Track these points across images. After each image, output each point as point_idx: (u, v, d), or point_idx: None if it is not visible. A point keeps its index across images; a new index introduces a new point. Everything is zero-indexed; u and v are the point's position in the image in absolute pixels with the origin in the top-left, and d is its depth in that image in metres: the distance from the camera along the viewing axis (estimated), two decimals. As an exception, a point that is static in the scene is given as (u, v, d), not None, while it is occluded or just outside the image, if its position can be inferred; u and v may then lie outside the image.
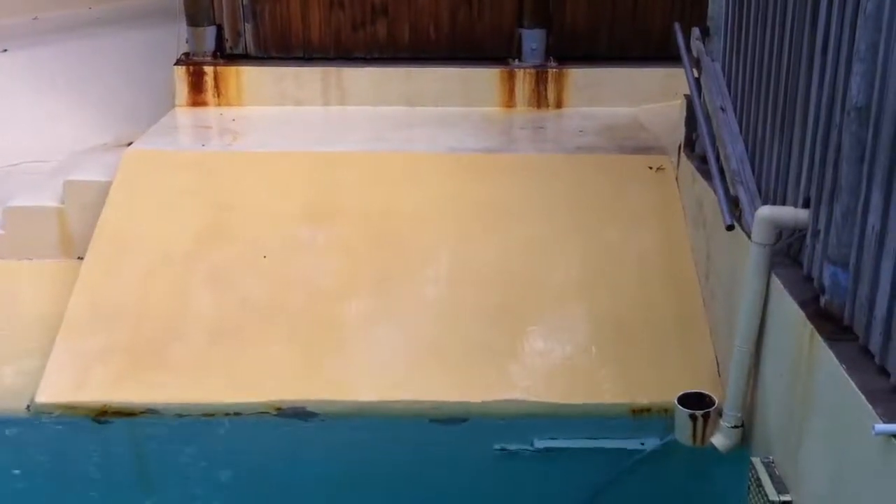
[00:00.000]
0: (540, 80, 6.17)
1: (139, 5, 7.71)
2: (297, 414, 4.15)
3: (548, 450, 4.07)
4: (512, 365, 4.25)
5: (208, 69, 6.26)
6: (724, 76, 4.38)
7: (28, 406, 4.22)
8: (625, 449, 4.02)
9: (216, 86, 6.28)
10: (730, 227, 3.64)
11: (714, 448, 3.72)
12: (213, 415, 4.16)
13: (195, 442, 4.20)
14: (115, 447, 4.22)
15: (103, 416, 4.17)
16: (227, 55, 6.36)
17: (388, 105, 6.22)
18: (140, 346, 4.40)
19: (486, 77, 6.21)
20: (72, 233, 5.17)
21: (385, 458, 4.20)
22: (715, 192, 3.93)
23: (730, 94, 4.27)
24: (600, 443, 4.05)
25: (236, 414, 4.15)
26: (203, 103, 6.28)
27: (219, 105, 6.28)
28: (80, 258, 4.94)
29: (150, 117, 6.11)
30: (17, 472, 4.33)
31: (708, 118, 4.33)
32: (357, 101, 6.25)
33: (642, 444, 4.02)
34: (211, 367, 4.30)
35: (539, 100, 6.18)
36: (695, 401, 3.79)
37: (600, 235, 4.81)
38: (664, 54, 5.75)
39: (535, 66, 6.20)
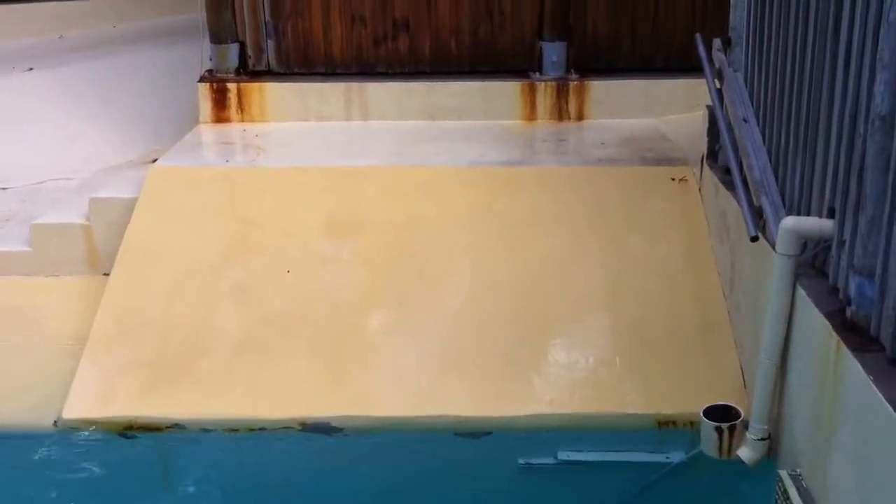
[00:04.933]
0: (561, 92, 6.18)
1: (163, 23, 7.80)
2: (321, 429, 4.15)
3: (572, 463, 4.05)
4: (535, 378, 4.23)
5: (231, 86, 6.31)
6: (746, 86, 4.36)
7: (55, 422, 4.25)
8: (650, 462, 3.98)
9: (239, 102, 6.33)
10: (754, 239, 3.62)
11: (740, 461, 3.69)
12: (237, 430, 4.17)
13: (220, 457, 4.21)
14: (141, 462, 4.24)
15: (129, 430, 4.20)
16: (249, 71, 6.42)
17: (409, 119, 6.25)
18: (165, 362, 4.43)
19: (508, 90, 6.22)
20: (98, 249, 5.22)
21: (409, 472, 4.19)
22: (738, 202, 3.91)
23: (752, 104, 4.25)
24: (625, 456, 4.01)
25: (261, 429, 4.16)
26: (227, 120, 6.33)
27: (242, 121, 6.32)
28: (107, 274, 4.99)
29: (174, 134, 6.17)
30: (44, 487, 4.35)
31: (730, 129, 4.32)
32: (379, 115, 6.29)
33: (668, 457, 3.98)
34: (235, 381, 4.32)
35: (560, 112, 6.19)
36: (720, 413, 3.77)
37: (623, 247, 4.80)
38: (686, 65, 5.74)
39: (556, 79, 6.21)
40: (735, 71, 4.49)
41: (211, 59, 6.44)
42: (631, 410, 4.06)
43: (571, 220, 4.98)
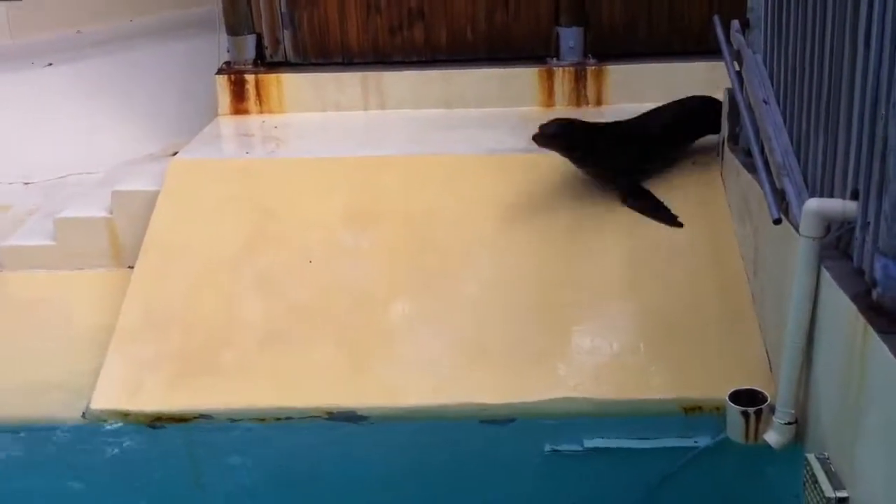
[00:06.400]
0: (579, 78, 6.15)
1: (179, 16, 7.83)
2: (346, 418, 4.18)
3: (598, 449, 4.05)
4: (559, 364, 4.24)
5: (249, 77, 6.31)
6: (765, 68, 4.34)
7: (83, 413, 4.29)
8: (676, 447, 3.98)
9: (258, 94, 6.34)
10: (777, 221, 3.61)
11: (767, 445, 3.68)
12: (264, 419, 4.20)
13: (247, 446, 4.24)
14: (168, 452, 4.29)
15: (157, 421, 4.24)
16: (267, 63, 6.41)
17: (427, 108, 6.23)
18: (191, 353, 4.47)
19: (525, 77, 6.19)
20: (122, 242, 5.26)
21: (435, 460, 4.21)
22: (761, 185, 3.90)
23: (772, 85, 4.23)
24: (651, 442, 4.01)
25: (287, 418, 4.19)
26: (245, 111, 6.34)
27: (261, 112, 6.33)
28: (131, 267, 5.03)
29: (193, 127, 6.19)
30: (73, 477, 4.41)
31: (751, 111, 4.30)
32: (397, 104, 6.28)
33: (694, 442, 3.98)
34: (261, 372, 4.35)
35: (578, 98, 6.16)
36: (746, 397, 3.76)
37: (644, 233, 4.79)
38: (704, 48, 5.70)
39: (573, 65, 6.18)
40: (754, 53, 4.47)
41: (228, 52, 6.44)
42: (656, 396, 4.06)
43: (592, 205, 4.97)
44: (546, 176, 5.18)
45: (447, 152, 5.49)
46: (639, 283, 4.54)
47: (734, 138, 4.80)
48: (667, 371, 4.14)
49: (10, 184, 6.48)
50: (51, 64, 7.36)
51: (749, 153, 4.33)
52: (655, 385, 4.10)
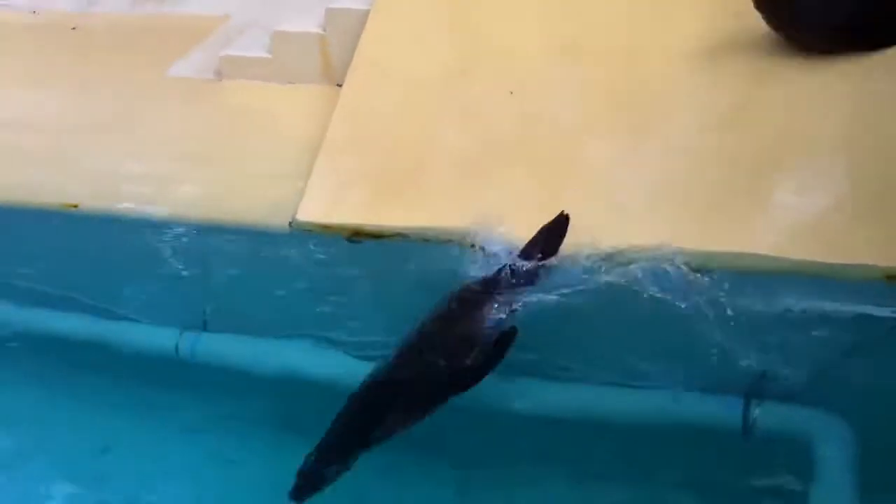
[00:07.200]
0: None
1: None
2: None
3: (790, 309, 3.92)
4: (758, 217, 4.06)
5: None
6: None
7: (290, 223, 4.54)
8: (874, 315, 3.79)
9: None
10: None
11: (978, 325, 3.46)
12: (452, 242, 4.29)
13: (437, 266, 4.35)
14: (364, 266, 4.50)
15: (356, 236, 4.43)
16: None
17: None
18: (392, 173, 4.60)
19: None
20: (332, 60, 5.41)
21: (613, 303, 4.17)
22: None
23: None
24: (848, 306, 3.83)
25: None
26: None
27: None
28: (339, 85, 5.18)
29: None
30: (275, 280, 4.71)
31: None
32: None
33: (893, 312, 3.78)
34: (456, 196, 4.43)
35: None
36: (961, 274, 3.52)
37: (869, 86, 4.43)
38: None
39: None
40: None
41: None
42: (859, 261, 3.83)
43: (814, 55, 4.65)
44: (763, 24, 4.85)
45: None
46: (855, 138, 4.22)
47: None
48: (874, 236, 3.86)
49: (229, -7, 6.72)
50: None
51: None
52: (859, 249, 3.84)
